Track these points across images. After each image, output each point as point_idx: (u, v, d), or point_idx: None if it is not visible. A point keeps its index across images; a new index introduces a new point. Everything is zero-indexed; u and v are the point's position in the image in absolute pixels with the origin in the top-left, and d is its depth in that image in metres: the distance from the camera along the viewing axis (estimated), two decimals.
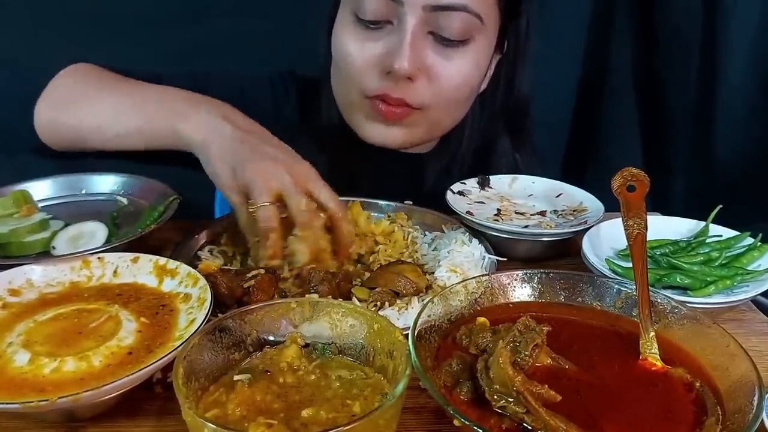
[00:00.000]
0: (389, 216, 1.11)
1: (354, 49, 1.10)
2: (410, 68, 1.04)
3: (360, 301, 0.86)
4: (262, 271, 0.85)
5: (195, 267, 0.83)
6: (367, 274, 0.95)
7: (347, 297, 0.86)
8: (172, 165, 1.06)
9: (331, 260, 0.89)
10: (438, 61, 1.08)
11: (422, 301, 0.85)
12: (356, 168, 1.26)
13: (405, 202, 1.14)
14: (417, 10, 1.03)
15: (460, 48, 1.09)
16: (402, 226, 1.08)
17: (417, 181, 1.29)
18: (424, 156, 1.30)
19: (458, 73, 1.10)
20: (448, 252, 0.97)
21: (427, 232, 1.08)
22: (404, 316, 0.83)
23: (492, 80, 1.25)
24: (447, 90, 1.11)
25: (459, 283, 0.77)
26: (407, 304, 0.85)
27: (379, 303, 0.85)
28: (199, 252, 1.00)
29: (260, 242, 0.86)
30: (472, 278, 0.78)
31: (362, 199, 1.10)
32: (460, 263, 0.93)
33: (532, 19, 1.22)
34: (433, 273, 0.94)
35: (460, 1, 1.03)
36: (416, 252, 1.03)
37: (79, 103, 1.06)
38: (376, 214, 1.11)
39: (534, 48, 1.25)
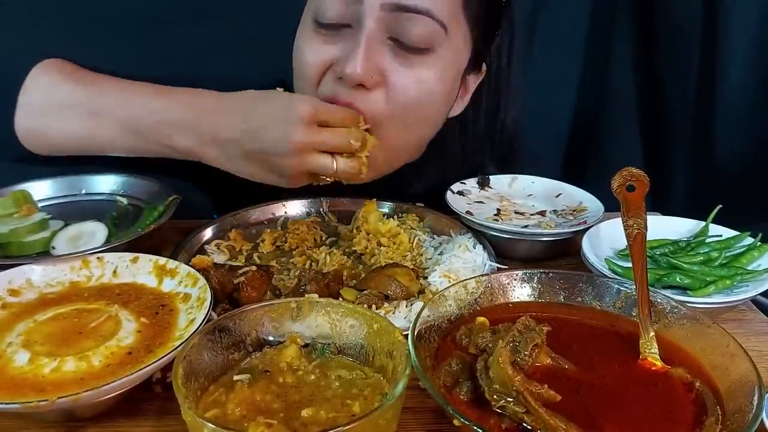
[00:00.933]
0: (400, 217, 1.10)
1: (310, 53, 1.03)
2: (363, 73, 0.94)
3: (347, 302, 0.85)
4: (254, 267, 0.86)
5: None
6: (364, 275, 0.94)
7: (336, 297, 0.86)
8: (171, 165, 1.05)
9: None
10: (395, 67, 0.98)
11: (411, 305, 0.85)
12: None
13: (417, 204, 1.13)
14: (375, 10, 0.95)
15: (421, 57, 0.99)
16: (411, 228, 1.07)
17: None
18: (405, 184, 1.22)
19: (416, 83, 0.99)
20: (448, 257, 0.96)
21: (435, 236, 1.07)
22: (390, 320, 0.82)
23: (473, 104, 1.17)
24: (405, 101, 0.99)
25: (458, 282, 0.77)
26: (395, 308, 0.85)
27: (366, 305, 0.84)
28: (206, 246, 1.01)
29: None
30: (471, 278, 0.78)
31: (379, 201, 1.08)
32: (456, 269, 0.92)
33: (517, 43, 1.16)
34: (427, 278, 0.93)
35: (423, 4, 0.95)
36: (420, 255, 1.01)
37: (63, 115, 1.03)
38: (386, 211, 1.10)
39: (525, 71, 1.20)
